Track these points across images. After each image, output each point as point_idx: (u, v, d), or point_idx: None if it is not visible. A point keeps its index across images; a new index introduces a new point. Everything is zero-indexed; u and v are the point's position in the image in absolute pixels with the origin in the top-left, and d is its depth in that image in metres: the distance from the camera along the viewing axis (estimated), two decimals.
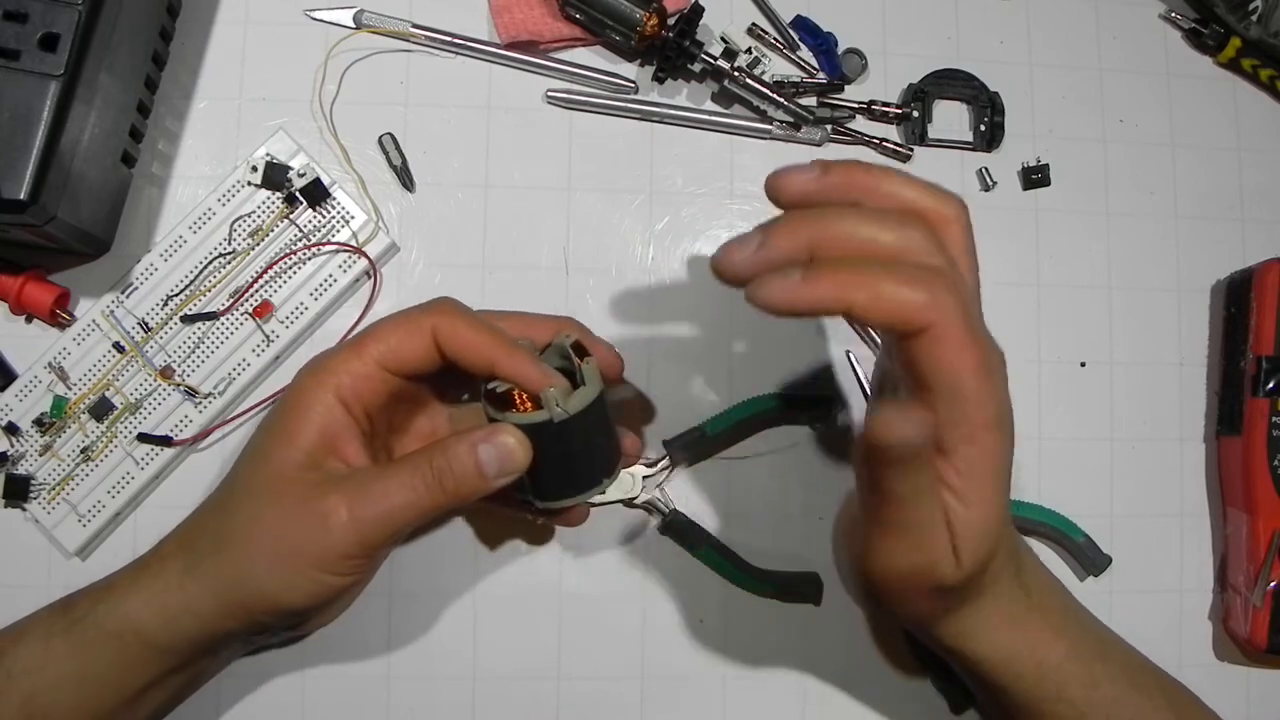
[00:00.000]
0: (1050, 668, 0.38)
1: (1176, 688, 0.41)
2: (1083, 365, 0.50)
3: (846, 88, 0.50)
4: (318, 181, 0.45)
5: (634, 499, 0.46)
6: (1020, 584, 0.38)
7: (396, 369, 0.37)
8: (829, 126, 0.49)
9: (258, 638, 0.42)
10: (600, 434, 0.37)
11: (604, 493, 0.38)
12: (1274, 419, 0.47)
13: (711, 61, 0.47)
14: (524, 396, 0.36)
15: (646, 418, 0.47)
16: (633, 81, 0.49)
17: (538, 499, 0.38)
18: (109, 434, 0.44)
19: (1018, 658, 0.38)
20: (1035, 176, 0.50)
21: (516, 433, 0.35)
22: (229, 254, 0.45)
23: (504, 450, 0.35)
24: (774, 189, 0.34)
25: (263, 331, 0.45)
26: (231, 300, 0.45)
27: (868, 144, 0.50)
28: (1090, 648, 0.39)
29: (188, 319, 0.45)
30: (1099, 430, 0.50)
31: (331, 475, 0.36)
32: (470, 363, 0.36)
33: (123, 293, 0.45)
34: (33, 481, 0.44)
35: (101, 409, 0.44)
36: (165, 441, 0.44)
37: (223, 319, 0.45)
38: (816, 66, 0.50)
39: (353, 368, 0.36)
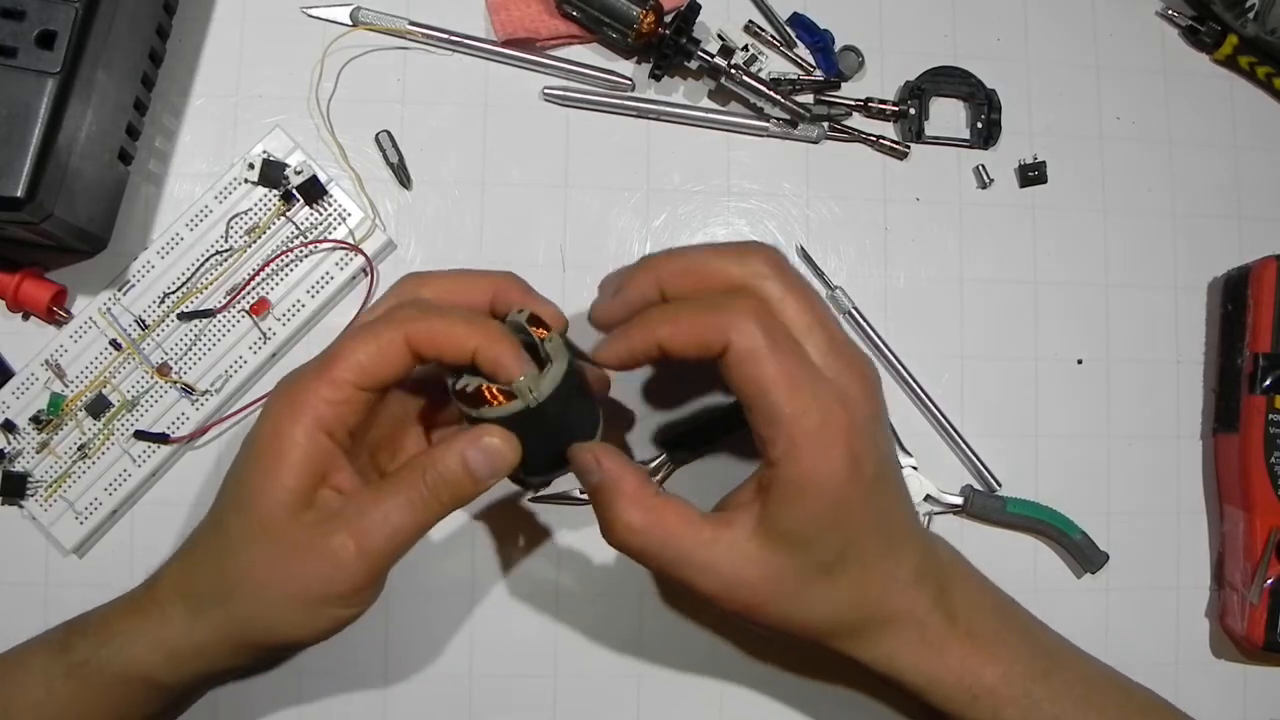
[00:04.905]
0: (983, 691, 0.37)
1: (1141, 698, 0.40)
2: (1080, 363, 0.50)
3: (843, 85, 0.50)
4: (314, 179, 0.45)
5: None
6: (943, 609, 0.37)
7: (373, 385, 0.35)
8: (825, 124, 0.49)
9: (261, 665, 0.43)
10: (577, 402, 0.37)
11: None
12: (1271, 416, 0.47)
13: (708, 59, 0.47)
14: (494, 389, 0.36)
15: (644, 414, 0.47)
16: (629, 79, 0.49)
17: (530, 476, 0.38)
18: (106, 431, 0.44)
19: (941, 683, 0.37)
20: (1032, 174, 0.50)
21: (500, 430, 0.35)
22: (226, 251, 0.45)
23: (491, 451, 0.35)
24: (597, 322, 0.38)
25: (259, 329, 0.45)
26: (228, 297, 0.45)
27: (864, 141, 0.50)
28: (1030, 670, 0.38)
29: (184, 316, 0.45)
30: (1096, 428, 0.50)
31: (328, 510, 0.35)
32: (450, 360, 0.36)
33: (119, 290, 0.45)
34: (29, 479, 0.44)
35: (98, 406, 0.44)
36: (162, 439, 0.44)
37: (219, 316, 0.45)
38: (813, 64, 0.50)
39: (328, 395, 0.35)
